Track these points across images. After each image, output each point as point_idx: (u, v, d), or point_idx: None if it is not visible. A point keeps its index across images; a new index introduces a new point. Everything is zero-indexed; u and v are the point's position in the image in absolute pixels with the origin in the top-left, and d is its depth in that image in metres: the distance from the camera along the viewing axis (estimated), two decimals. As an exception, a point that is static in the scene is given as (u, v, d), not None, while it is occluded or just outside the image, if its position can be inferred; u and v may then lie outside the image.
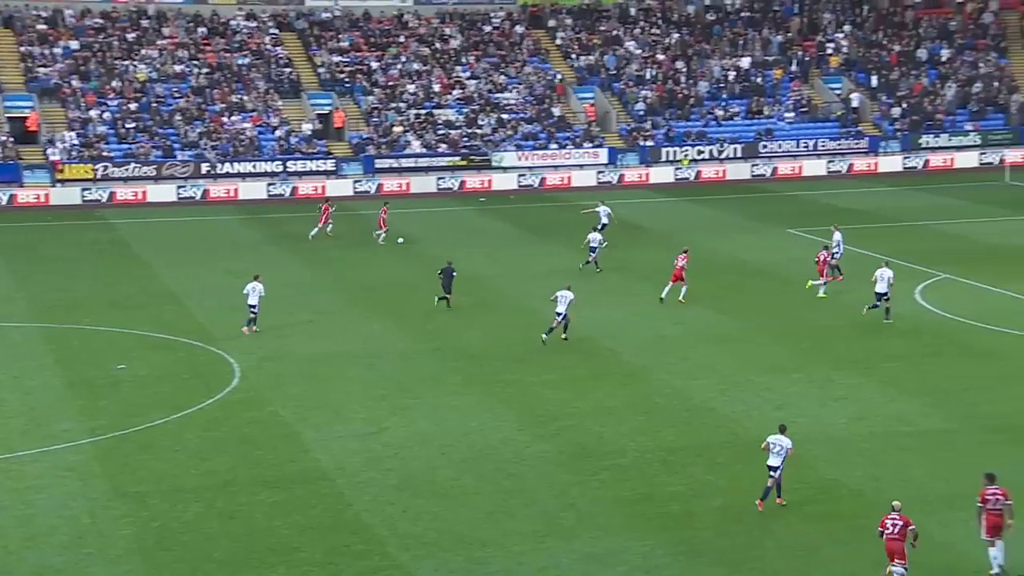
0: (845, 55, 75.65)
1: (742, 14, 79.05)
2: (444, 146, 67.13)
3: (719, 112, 71.42)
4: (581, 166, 67.13)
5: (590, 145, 68.16)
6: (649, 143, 68.73)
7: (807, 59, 75.33)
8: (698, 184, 65.70)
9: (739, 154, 68.57)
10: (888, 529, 20.58)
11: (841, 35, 77.15)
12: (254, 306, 36.56)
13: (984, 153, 68.82)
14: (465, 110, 69.71)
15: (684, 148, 68.48)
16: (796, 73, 74.44)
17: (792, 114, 71.56)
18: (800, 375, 32.37)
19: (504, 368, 33.33)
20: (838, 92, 73.35)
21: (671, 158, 68.05)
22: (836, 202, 59.02)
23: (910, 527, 20.37)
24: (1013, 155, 67.36)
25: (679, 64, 74.48)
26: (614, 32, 76.66)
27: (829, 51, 75.98)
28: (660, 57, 74.94)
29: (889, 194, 61.51)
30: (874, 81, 73.73)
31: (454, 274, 39.77)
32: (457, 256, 48.33)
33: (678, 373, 32.76)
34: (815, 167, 67.73)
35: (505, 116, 69.57)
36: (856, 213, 55.38)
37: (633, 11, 78.60)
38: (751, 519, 23.80)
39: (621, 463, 26.56)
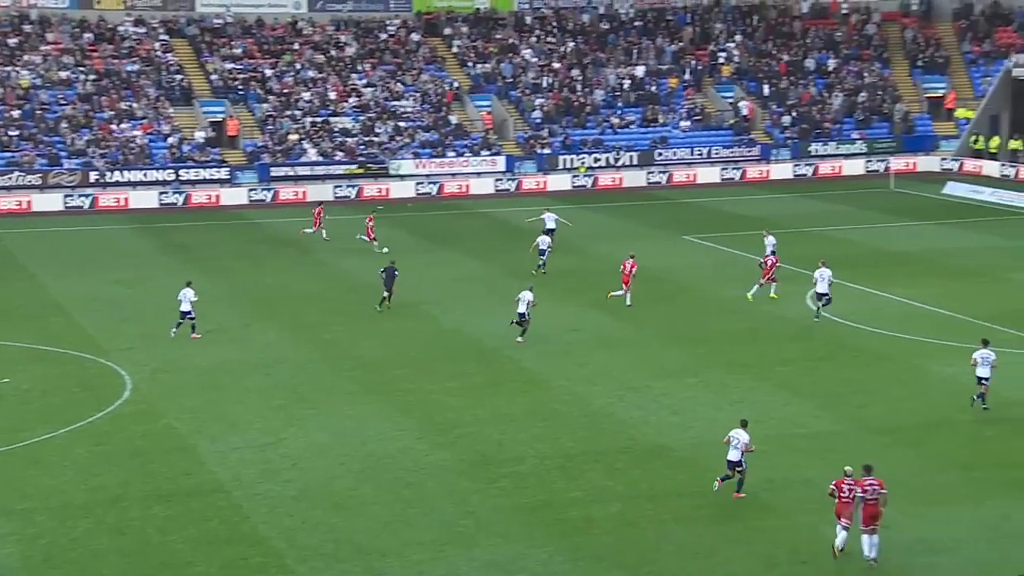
0: (737, 64, 76.99)
1: (636, 23, 79.99)
2: (341, 154, 66.66)
3: (615, 120, 72.14)
4: (479, 174, 67.24)
5: (488, 153, 68.30)
6: (546, 151, 69.11)
7: (700, 68, 76.49)
8: (595, 191, 66.24)
9: (635, 162, 69.33)
10: (843, 492, 21.86)
11: (732, 45, 78.52)
12: (188, 312, 36.34)
13: (870, 161, 70.55)
14: (362, 118, 69.32)
15: (581, 156, 69.00)
16: (689, 82, 75.54)
17: (687, 122, 72.59)
18: (696, 380, 32.79)
19: (403, 376, 33.18)
20: (730, 100, 74.62)
21: (568, 166, 68.53)
22: (730, 209, 60.00)
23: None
24: (897, 163, 69.15)
25: (575, 72, 75.06)
26: (510, 40, 76.98)
27: (721, 60, 77.27)
28: (556, 65, 75.44)
29: (780, 201, 62.69)
30: (765, 90, 75.17)
31: (396, 274, 39.81)
32: (355, 266, 47.93)
33: (577, 379, 32.94)
34: (709, 174, 68.76)
35: (402, 124, 69.35)
36: (749, 220, 56.35)
37: (528, 20, 79.02)
38: (649, 524, 24.01)
39: (520, 470, 26.60)
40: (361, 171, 65.75)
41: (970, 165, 68.42)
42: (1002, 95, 71.47)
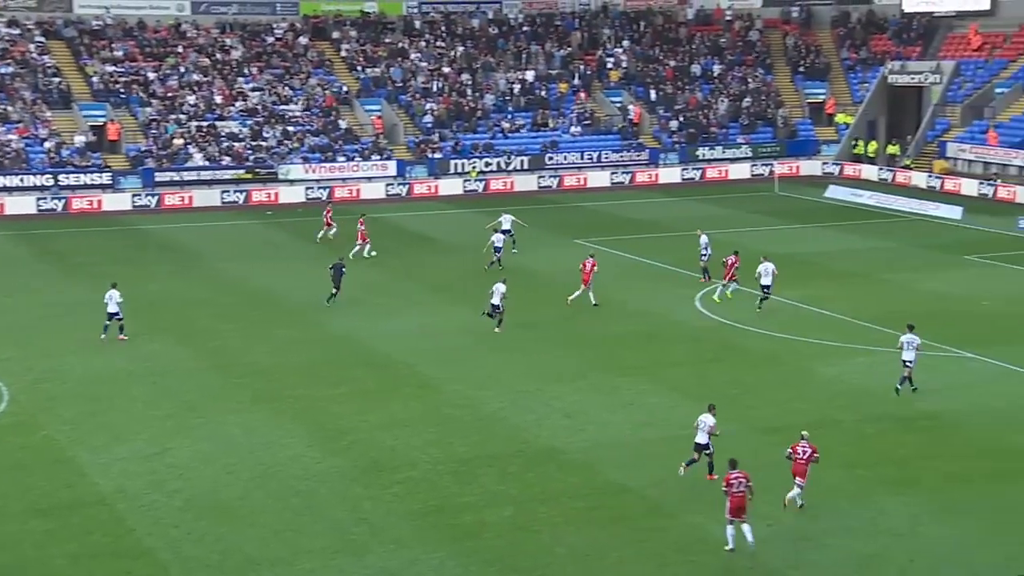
0: (625, 69, 77.79)
1: (525, 28, 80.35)
2: (228, 159, 65.62)
3: (505, 124, 72.31)
4: (370, 179, 66.78)
5: (378, 158, 67.87)
6: (437, 155, 68.96)
7: (589, 73, 77.11)
8: (486, 196, 66.29)
9: (526, 166, 69.57)
10: (798, 454, 24.48)
11: (620, 50, 79.33)
12: (115, 313, 35.89)
13: (755, 165, 71.86)
14: (249, 122, 68.34)
15: (472, 160, 69.01)
16: (579, 86, 76.09)
17: (577, 127, 73.09)
18: (588, 383, 32.95)
19: (293, 383, 32.73)
20: (619, 105, 75.37)
21: (459, 170, 68.47)
22: (620, 212, 60.53)
23: (816, 454, 24.05)
24: (781, 167, 70.57)
25: (465, 77, 75.06)
26: (399, 44, 76.67)
27: (609, 65, 77.99)
28: (446, 70, 75.35)
29: (669, 204, 63.50)
30: (652, 95, 76.07)
31: (344, 270, 40.43)
32: (244, 271, 47.27)
33: (470, 383, 32.86)
34: (599, 178, 69.32)
35: (291, 128, 68.56)
36: (639, 223, 56.92)
37: (418, 24, 78.83)
38: (542, 527, 24.03)
39: (413, 476, 26.41)
40: (249, 176, 64.80)
41: (850, 169, 70.13)
42: (879, 101, 73.45)
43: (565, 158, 70.66)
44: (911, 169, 67.78)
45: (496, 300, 37.20)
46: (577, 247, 52.18)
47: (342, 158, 67.27)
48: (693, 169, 71.19)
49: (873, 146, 71.95)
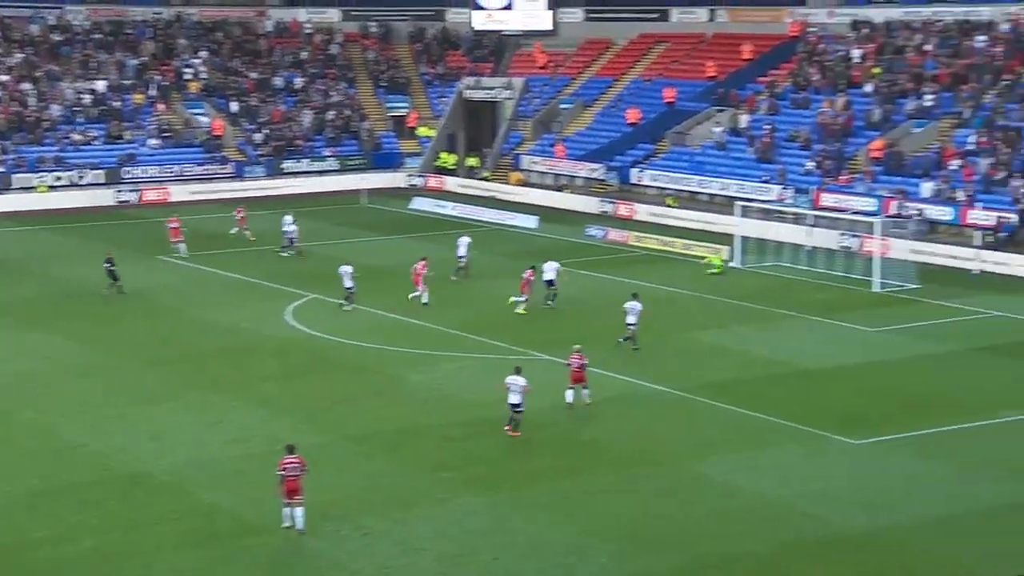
0: (204, 81, 76.24)
1: (93, 36, 76.89)
2: None
3: (76, 136, 68.82)
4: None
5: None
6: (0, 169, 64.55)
7: (166, 84, 74.92)
8: (59, 212, 62.75)
9: (102, 180, 66.56)
10: (574, 365, 30.51)
11: (199, 61, 77.66)
12: None
13: (342, 178, 72.52)
14: None
15: (40, 174, 65.11)
16: (156, 97, 73.75)
17: (156, 140, 70.77)
18: (176, 402, 32.00)
19: None
20: (200, 116, 73.77)
21: (25, 185, 64.38)
22: (205, 227, 59.16)
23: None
24: (368, 180, 71.75)
25: (26, 86, 70.74)
26: (-55, 49, 71.24)
27: (188, 76, 76.16)
28: (4, 78, 70.70)
29: (257, 218, 62.87)
30: (235, 107, 75.05)
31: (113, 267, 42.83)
32: None
33: (45, 411, 31.01)
34: (182, 192, 67.50)
35: None
36: (223, 239, 55.84)
37: (-32, 28, 73.54)
38: (129, 555, 23.04)
39: (-17, 514, 24.55)
40: None
41: (433, 181, 72.44)
42: (458, 115, 76.38)
43: (144, 171, 68.23)
44: (490, 180, 70.99)
45: (348, 283, 41.57)
46: (160, 263, 50.56)
47: None
48: (280, 182, 70.88)
49: (454, 158, 74.71)
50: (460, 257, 47.69)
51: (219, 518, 24.85)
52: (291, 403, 32.23)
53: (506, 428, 29.43)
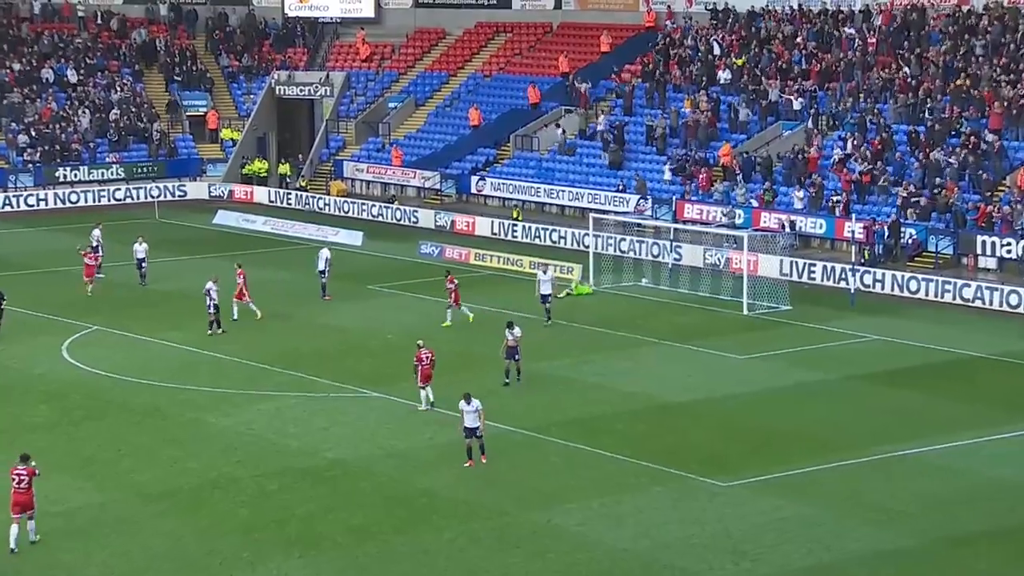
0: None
1: None
2: None
3: None
4: None
5: None
6: None
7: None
8: None
9: None
10: (424, 362, 34.00)
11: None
12: None
13: (130, 187, 70.96)
14: None
15: None
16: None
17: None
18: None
19: None
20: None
21: None
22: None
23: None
24: (161, 189, 70.49)
25: None
26: None
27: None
28: None
29: (25, 236, 61.14)
30: (-7, 104, 72.88)
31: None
32: None
33: None
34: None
35: None
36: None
37: None
38: None
39: None
40: None
41: (241, 191, 71.61)
42: (268, 115, 75.83)
43: None
44: (306, 191, 70.47)
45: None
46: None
47: None
48: (52, 193, 69.05)
49: (264, 166, 73.99)
50: (321, 272, 48.16)
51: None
52: (69, 456, 31.41)
53: (466, 464, 30.66)
